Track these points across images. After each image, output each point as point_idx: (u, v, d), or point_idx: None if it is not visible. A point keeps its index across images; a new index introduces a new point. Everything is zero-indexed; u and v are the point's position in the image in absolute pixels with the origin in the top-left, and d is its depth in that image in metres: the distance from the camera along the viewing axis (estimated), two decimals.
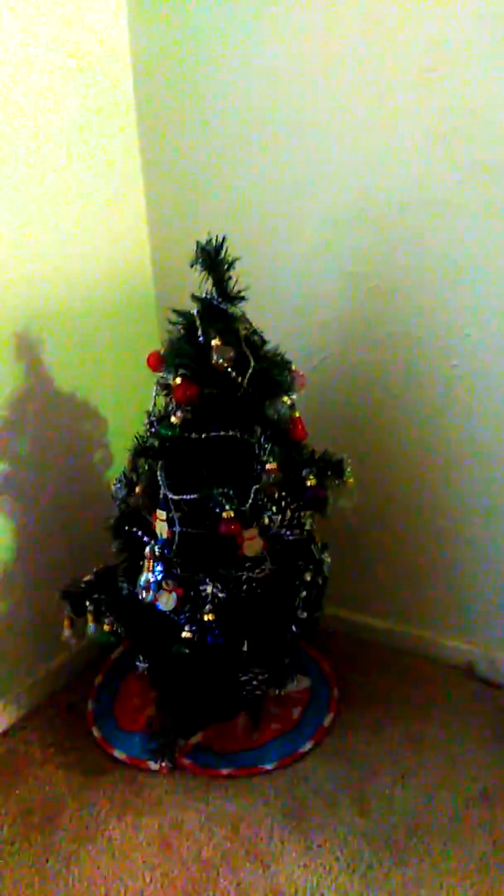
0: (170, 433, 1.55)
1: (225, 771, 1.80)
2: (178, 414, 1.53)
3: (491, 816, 1.66)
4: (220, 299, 1.55)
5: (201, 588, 1.59)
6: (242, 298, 1.57)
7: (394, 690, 2.06)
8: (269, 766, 1.81)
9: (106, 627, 1.75)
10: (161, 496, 1.59)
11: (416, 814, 1.68)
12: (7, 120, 1.70)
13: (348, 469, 1.69)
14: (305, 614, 1.75)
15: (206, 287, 1.56)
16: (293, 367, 1.64)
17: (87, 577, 1.80)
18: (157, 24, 1.95)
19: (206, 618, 1.57)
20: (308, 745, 1.87)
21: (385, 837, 1.63)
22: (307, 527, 1.73)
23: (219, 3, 1.85)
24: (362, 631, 2.28)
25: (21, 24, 1.69)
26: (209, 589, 1.58)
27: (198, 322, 1.53)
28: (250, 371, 1.54)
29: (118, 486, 1.75)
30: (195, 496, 1.55)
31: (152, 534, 1.64)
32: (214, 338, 1.49)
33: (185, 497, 1.57)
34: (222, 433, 1.56)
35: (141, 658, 1.78)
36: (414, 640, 2.20)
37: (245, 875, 1.55)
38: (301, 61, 1.79)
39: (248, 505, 1.55)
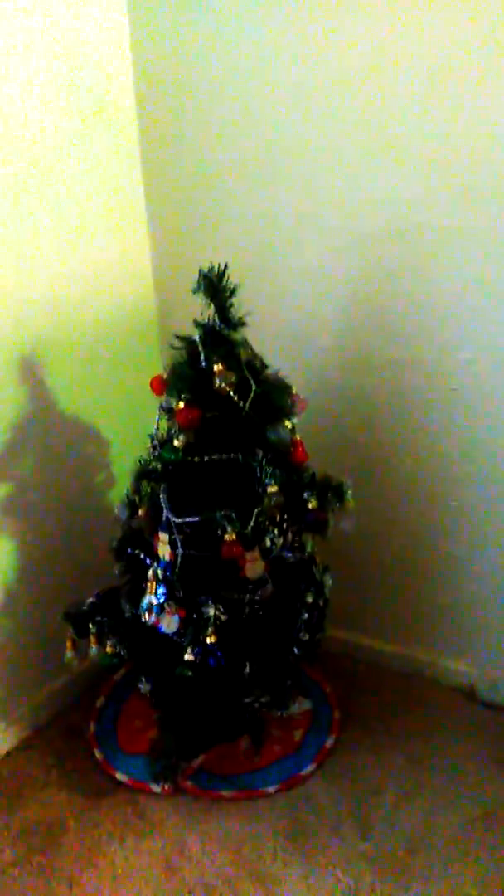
0: (172, 456, 1.57)
1: (227, 793, 1.81)
2: (181, 437, 1.56)
3: (492, 837, 1.67)
4: (221, 325, 1.58)
5: (203, 610, 1.60)
6: (244, 324, 1.60)
7: (395, 712, 2.07)
8: (271, 789, 1.81)
9: (108, 649, 1.75)
10: (163, 519, 1.61)
11: (417, 835, 1.68)
12: (12, 149, 1.74)
13: (349, 492, 1.71)
14: (307, 636, 1.75)
15: (207, 313, 1.59)
16: (294, 391, 1.66)
17: (90, 599, 1.82)
18: (159, 52, 1.99)
19: (208, 640, 1.58)
20: (310, 767, 1.87)
21: (387, 859, 1.63)
22: (308, 549, 1.75)
23: (221, 32, 1.89)
24: (364, 653, 2.28)
25: (24, 46, 1.73)
26: (211, 611, 1.59)
27: (200, 347, 1.56)
28: (252, 395, 1.57)
29: (121, 508, 1.76)
30: (197, 519, 1.57)
31: (155, 556, 1.66)
32: (217, 363, 1.52)
33: (187, 519, 1.59)
34: (224, 456, 1.58)
35: (143, 680, 1.79)
36: (415, 662, 2.21)
37: None
38: (302, 89, 1.83)
39: (249, 527, 1.56)
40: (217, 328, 1.58)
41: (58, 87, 1.82)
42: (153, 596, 1.62)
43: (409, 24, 1.66)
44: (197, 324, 1.59)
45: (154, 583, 1.62)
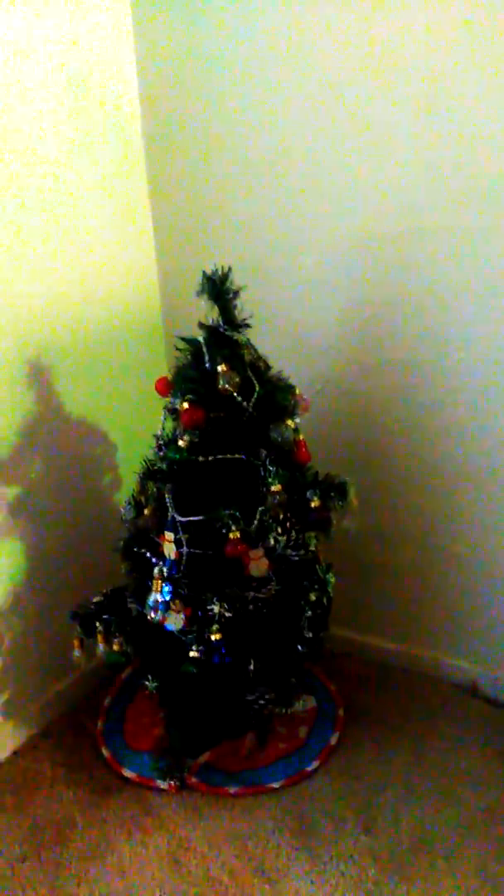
0: (177, 456, 1.59)
1: (232, 789, 1.83)
2: (186, 437, 1.58)
3: (495, 833, 1.68)
4: (225, 327, 1.60)
5: (208, 608, 1.62)
6: (247, 326, 1.63)
7: (398, 709, 2.08)
8: (276, 785, 1.83)
9: (115, 647, 1.78)
10: (169, 518, 1.64)
11: (421, 830, 1.70)
12: (16, 154, 1.77)
13: (352, 490, 1.72)
14: (311, 634, 1.77)
15: (211, 315, 1.61)
16: (297, 392, 1.68)
17: (97, 598, 1.84)
18: (163, 53, 2.02)
19: (213, 637, 1.60)
20: (314, 764, 1.89)
21: (391, 854, 1.65)
22: (311, 547, 1.77)
23: (223, 35, 1.92)
24: (367, 651, 2.30)
25: (28, 49, 1.76)
26: (216, 609, 1.61)
27: (204, 349, 1.59)
28: (255, 396, 1.59)
29: (127, 508, 1.78)
30: (202, 518, 1.60)
31: (160, 555, 1.68)
32: (221, 364, 1.54)
33: (192, 519, 1.61)
34: (228, 456, 1.61)
35: (149, 678, 1.81)
36: (418, 659, 2.22)
37: (253, 892, 1.57)
38: (304, 91, 1.85)
39: (253, 526, 1.59)
40: (221, 330, 1.60)
41: (61, 89, 1.85)
42: (159, 594, 1.64)
43: (412, 25, 1.68)
44: (201, 325, 1.62)
45: (160, 581, 1.64)
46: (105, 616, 1.80)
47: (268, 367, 1.68)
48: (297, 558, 1.73)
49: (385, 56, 1.73)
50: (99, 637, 1.80)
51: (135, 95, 2.08)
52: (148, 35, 2.03)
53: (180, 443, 1.58)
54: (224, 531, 1.56)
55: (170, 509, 1.62)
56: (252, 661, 1.70)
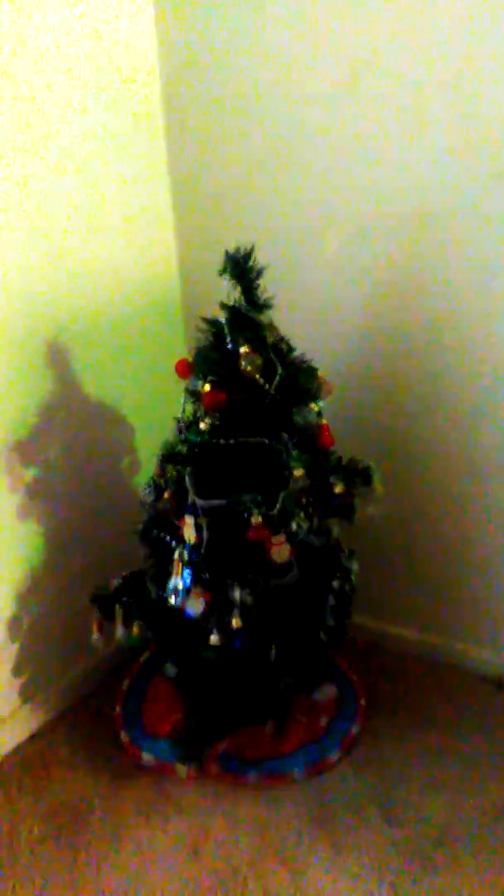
0: (198, 439, 1.57)
1: (252, 777, 1.81)
2: (207, 420, 1.56)
3: None
4: (248, 307, 1.57)
5: (229, 593, 1.60)
6: (270, 306, 1.59)
7: (421, 701, 2.05)
8: (297, 774, 1.81)
9: (135, 631, 1.76)
10: (189, 502, 1.61)
11: (443, 823, 1.67)
12: (38, 134, 1.74)
13: (376, 476, 1.69)
14: (333, 622, 1.75)
15: (233, 295, 1.58)
16: (320, 375, 1.65)
17: (116, 582, 1.83)
18: (185, 38, 1.98)
19: (233, 623, 1.58)
20: (336, 754, 1.86)
21: (412, 846, 1.62)
22: (334, 534, 1.74)
23: (247, 19, 1.87)
24: (390, 641, 2.27)
25: (54, 43, 1.74)
26: (237, 594, 1.59)
27: (226, 330, 1.56)
28: (278, 378, 1.56)
29: (147, 491, 1.76)
30: (223, 502, 1.57)
31: (180, 539, 1.66)
32: (243, 345, 1.51)
33: (213, 502, 1.58)
34: (250, 439, 1.57)
35: (169, 662, 1.79)
36: (442, 650, 2.19)
37: (272, 881, 1.56)
38: (329, 71, 1.80)
39: (275, 511, 1.56)
40: (243, 310, 1.57)
41: (82, 69, 1.82)
42: (179, 579, 1.62)
43: (439, 6, 1.62)
44: (223, 306, 1.58)
45: (180, 566, 1.62)
46: (124, 599, 1.78)
47: (290, 349, 1.65)
48: (319, 544, 1.70)
49: (413, 34, 1.68)
50: (118, 620, 1.78)
51: (156, 75, 2.04)
52: (169, 11, 1.98)
53: (201, 425, 1.56)
54: (246, 516, 1.53)
55: (190, 493, 1.60)
56: (273, 648, 1.68)
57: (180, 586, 1.63)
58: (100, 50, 1.85)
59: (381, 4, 1.69)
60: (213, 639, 1.62)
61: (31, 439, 1.86)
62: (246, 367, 1.50)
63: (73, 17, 1.77)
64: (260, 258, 1.57)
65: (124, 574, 1.84)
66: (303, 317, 2.01)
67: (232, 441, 1.57)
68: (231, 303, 1.58)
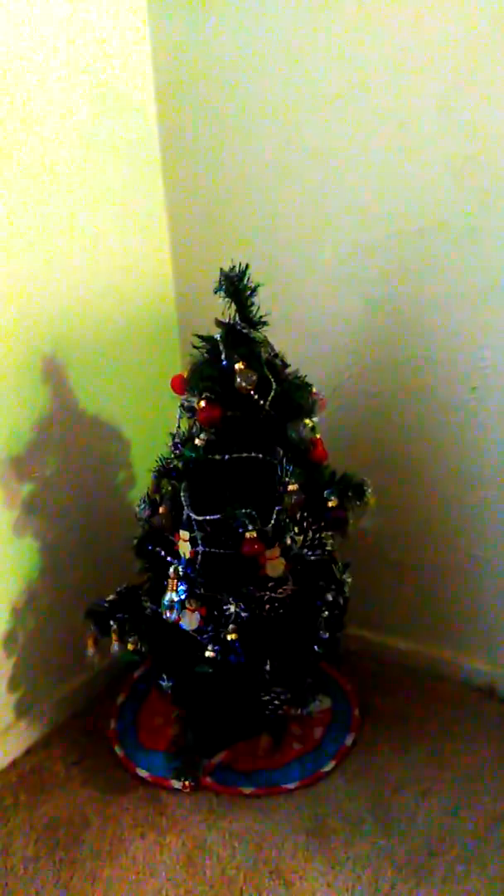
0: (193, 454, 1.58)
1: (247, 790, 1.81)
2: (202, 436, 1.56)
3: None
4: (242, 324, 1.58)
5: (224, 607, 1.61)
6: (265, 323, 1.61)
7: (415, 711, 2.07)
8: (291, 786, 1.82)
9: (130, 646, 1.77)
10: (184, 516, 1.62)
11: (438, 833, 1.68)
12: (37, 156, 1.76)
13: (369, 490, 1.71)
14: (327, 634, 1.76)
15: (228, 313, 1.60)
16: (314, 390, 1.67)
17: (111, 597, 1.83)
18: (179, 47, 2.00)
19: (228, 637, 1.59)
20: (330, 765, 1.87)
21: (407, 857, 1.63)
22: (328, 547, 1.75)
23: (240, 33, 1.90)
24: (383, 651, 2.28)
25: (47, 53, 1.76)
26: (232, 608, 1.60)
27: (221, 346, 1.57)
28: (272, 394, 1.58)
29: (142, 506, 1.78)
30: (218, 516, 1.58)
31: (175, 554, 1.67)
32: (238, 362, 1.52)
33: (207, 517, 1.59)
34: (245, 454, 1.59)
35: (164, 677, 1.80)
36: (435, 661, 2.20)
37: (268, 893, 1.56)
38: (323, 85, 1.83)
39: (270, 525, 1.57)
40: (238, 327, 1.58)
41: (76, 83, 1.84)
42: (174, 593, 1.63)
43: (437, 18, 1.65)
44: (218, 323, 1.60)
45: (175, 580, 1.63)
46: (119, 615, 1.79)
47: (285, 365, 1.67)
48: (313, 558, 1.71)
49: (408, 48, 1.71)
50: (113, 636, 1.79)
51: (150, 89, 2.07)
52: (163, 25, 2.01)
53: (196, 441, 1.57)
54: (240, 530, 1.54)
55: (185, 508, 1.61)
56: (268, 662, 1.69)
57: (175, 601, 1.64)
58: (94, 66, 1.87)
59: (378, 19, 1.72)
60: (209, 653, 1.63)
61: (26, 454, 1.87)
62: (241, 383, 1.52)
63: (67, 29, 1.79)
64: (255, 274, 1.59)
65: (119, 589, 1.85)
66: (297, 332, 2.03)
67: (227, 456, 1.59)
68: (226, 320, 1.60)
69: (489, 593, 2.06)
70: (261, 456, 1.59)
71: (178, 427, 1.69)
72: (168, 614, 1.64)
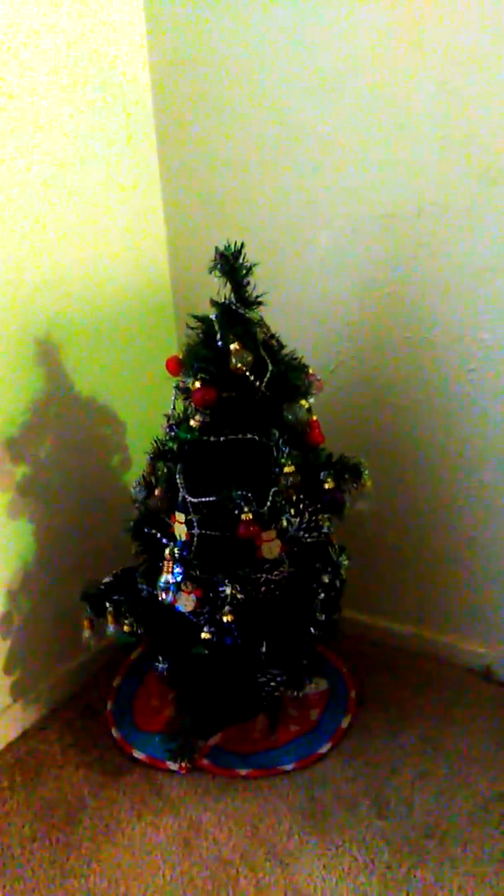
0: (189, 436, 1.57)
1: (243, 771, 1.82)
2: (197, 417, 1.55)
3: None
4: (238, 304, 1.56)
5: (220, 589, 1.60)
6: (260, 303, 1.59)
7: (411, 693, 2.07)
8: (287, 767, 1.82)
9: (126, 628, 1.76)
10: (180, 498, 1.61)
11: (434, 815, 1.69)
12: (30, 134, 1.73)
13: (365, 472, 1.70)
14: (323, 617, 1.76)
15: (223, 293, 1.58)
16: (310, 371, 1.65)
17: (107, 579, 1.83)
18: (175, 29, 1.97)
19: (224, 619, 1.59)
20: (326, 747, 1.88)
21: (404, 838, 1.63)
22: (324, 529, 1.74)
23: (235, 22, 1.87)
24: (380, 634, 2.28)
25: (35, 21, 1.72)
26: (228, 590, 1.59)
27: (216, 327, 1.55)
28: (268, 375, 1.56)
29: (137, 488, 1.77)
30: (214, 498, 1.57)
31: (171, 536, 1.66)
32: (233, 342, 1.51)
33: (203, 499, 1.58)
34: (240, 436, 1.58)
35: (160, 659, 1.80)
36: (431, 642, 2.20)
37: (264, 874, 1.57)
38: (316, 72, 1.80)
39: (266, 507, 1.56)
40: (233, 307, 1.56)
41: (70, 61, 1.81)
42: (170, 575, 1.62)
43: (431, 2, 1.63)
44: (213, 303, 1.58)
45: (171, 562, 1.62)
46: (115, 597, 1.78)
47: (281, 346, 1.65)
48: (309, 540, 1.70)
49: (403, 31, 1.67)
50: (109, 618, 1.78)
51: (145, 68, 2.04)
52: (159, 7, 1.97)
53: (192, 423, 1.55)
54: (236, 512, 1.53)
55: (181, 490, 1.60)
56: (264, 644, 1.69)
57: (171, 583, 1.63)
58: (88, 44, 1.84)
59: (372, 2, 1.68)
60: (205, 634, 1.62)
61: (21, 437, 1.86)
62: (236, 364, 1.50)
63: (63, 24, 1.76)
64: (251, 255, 1.57)
65: (115, 571, 1.84)
66: (293, 314, 2.01)
67: (222, 438, 1.57)
68: (221, 300, 1.58)
69: (486, 576, 2.06)
70: (256, 437, 1.58)
71: (174, 408, 1.68)
72: (164, 596, 1.64)
